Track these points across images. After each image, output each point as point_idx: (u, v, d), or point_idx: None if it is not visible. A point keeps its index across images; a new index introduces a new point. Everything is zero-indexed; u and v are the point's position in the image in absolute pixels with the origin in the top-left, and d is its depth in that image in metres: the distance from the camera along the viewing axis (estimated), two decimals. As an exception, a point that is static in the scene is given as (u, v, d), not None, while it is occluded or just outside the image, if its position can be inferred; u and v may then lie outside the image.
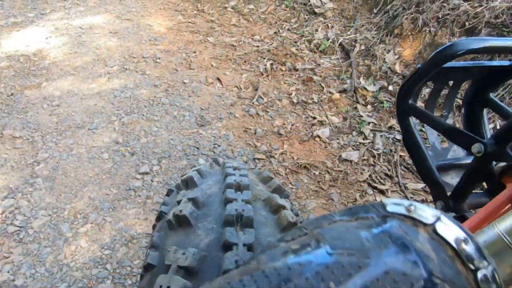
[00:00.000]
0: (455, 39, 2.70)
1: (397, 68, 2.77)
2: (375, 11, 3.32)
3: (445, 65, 1.01)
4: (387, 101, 2.56)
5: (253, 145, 2.23)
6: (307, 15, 3.58)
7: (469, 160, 1.15)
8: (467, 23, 2.69)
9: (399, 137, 2.28)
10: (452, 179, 1.13)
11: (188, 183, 0.70)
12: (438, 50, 1.00)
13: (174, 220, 0.59)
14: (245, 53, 3.16)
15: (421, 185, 2.00)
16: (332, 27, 3.35)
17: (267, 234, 0.59)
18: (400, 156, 2.16)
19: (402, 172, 2.08)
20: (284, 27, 3.47)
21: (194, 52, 3.13)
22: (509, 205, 0.82)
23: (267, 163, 2.10)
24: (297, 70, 2.93)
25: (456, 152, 1.23)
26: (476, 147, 0.93)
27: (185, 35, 3.39)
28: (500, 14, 2.56)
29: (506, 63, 1.12)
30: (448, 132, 1.08)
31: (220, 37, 3.39)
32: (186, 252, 0.53)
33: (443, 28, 2.75)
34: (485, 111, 1.22)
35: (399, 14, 3.07)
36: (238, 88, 2.74)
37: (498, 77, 1.17)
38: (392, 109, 2.50)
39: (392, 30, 3.03)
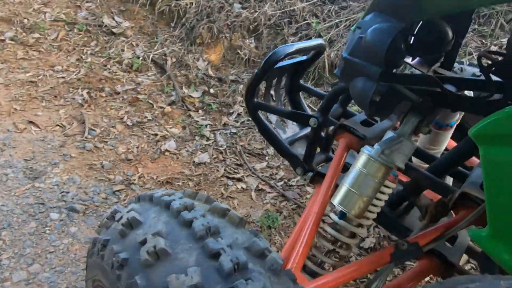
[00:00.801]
0: (247, 41, 3.26)
1: (210, 72, 3.13)
2: (172, 24, 3.57)
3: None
4: (213, 102, 2.87)
5: (106, 180, 2.11)
6: (106, 37, 3.48)
7: (305, 132, 1.52)
8: (251, 26, 3.29)
9: (234, 130, 2.63)
10: (300, 149, 1.47)
11: (132, 224, 0.72)
12: (266, 58, 1.31)
13: (150, 258, 0.63)
14: (51, 87, 2.84)
15: (265, 163, 2.41)
16: (137, 45, 3.40)
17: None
18: (241, 145, 2.52)
19: (247, 158, 2.44)
20: (86, 52, 3.28)
21: (-18, 100, 2.59)
22: (346, 153, 1.19)
23: (129, 191, 2.06)
24: (118, 93, 2.87)
25: (294, 129, 1.60)
26: (312, 121, 1.28)
27: (-42, 81, 2.74)
28: (271, 17, 3.25)
29: (304, 57, 1.54)
30: (290, 116, 1.42)
31: (10, 75, 2.90)
32: (186, 273, 0.59)
33: (235, 33, 3.27)
34: (300, 94, 1.63)
35: (195, 26, 3.42)
36: (60, 126, 2.48)
37: (302, 68, 1.58)
38: (219, 108, 2.83)
39: (194, 40, 3.36)
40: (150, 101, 2.82)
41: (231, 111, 2.84)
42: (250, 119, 2.73)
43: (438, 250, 1.05)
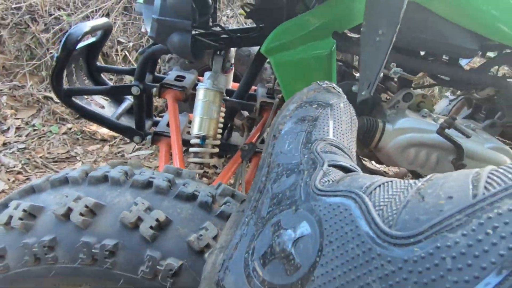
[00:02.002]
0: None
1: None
2: None
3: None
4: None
5: None
6: None
7: (124, 106, 1.62)
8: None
9: (22, 145, 2.30)
10: (126, 122, 1.58)
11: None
12: (63, 41, 1.32)
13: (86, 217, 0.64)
14: None
15: (79, 164, 2.28)
16: None
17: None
18: (41, 157, 2.26)
19: (56, 166, 2.23)
20: None
21: None
22: (176, 104, 1.42)
23: None
24: None
25: (110, 108, 1.66)
26: (135, 89, 1.43)
27: None
28: (5, 16, 2.85)
29: (94, 39, 1.60)
30: (110, 91, 1.50)
31: None
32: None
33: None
34: (102, 75, 1.68)
35: None
36: None
37: (94, 49, 1.63)
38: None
39: None
40: None
41: (4, 127, 2.42)
42: (36, 128, 2.45)
43: (260, 149, 1.50)
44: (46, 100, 2.68)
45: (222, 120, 1.30)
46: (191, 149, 1.25)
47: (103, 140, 2.50)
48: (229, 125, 1.59)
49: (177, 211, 0.59)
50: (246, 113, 1.61)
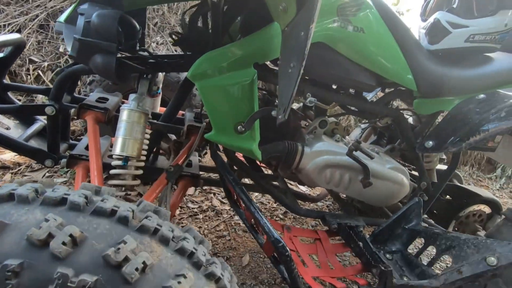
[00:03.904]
0: None
1: None
2: None
3: None
4: None
5: None
6: None
7: (35, 127, 1.51)
8: None
9: None
10: (36, 145, 1.46)
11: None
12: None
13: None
14: None
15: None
16: None
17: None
18: None
19: None
20: None
21: None
22: (97, 126, 1.37)
23: None
24: None
25: (17, 130, 1.53)
26: (50, 109, 1.36)
27: None
28: None
29: (1, 54, 1.49)
30: (20, 110, 1.39)
31: None
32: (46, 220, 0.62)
33: None
34: (9, 94, 1.56)
35: None
36: None
37: (2, 66, 1.52)
38: None
39: None
40: None
41: None
42: None
43: (187, 172, 1.50)
44: None
45: (147, 142, 1.28)
46: (112, 171, 1.20)
47: (4, 168, 2.25)
48: (155, 149, 1.57)
49: (93, 226, 0.58)
50: (173, 137, 1.61)
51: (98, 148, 1.30)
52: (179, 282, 0.58)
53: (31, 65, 2.79)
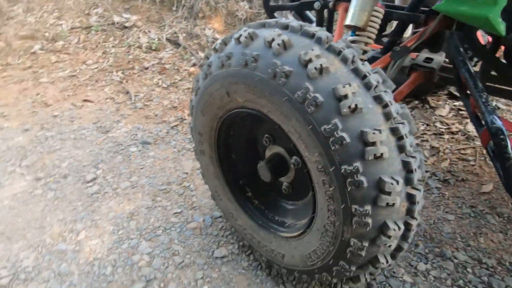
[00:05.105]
0: (242, 4, 3.75)
1: (218, 36, 3.62)
2: (174, 8, 4.06)
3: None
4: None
5: (162, 122, 2.60)
6: (120, 31, 3.98)
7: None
8: (243, -8, 3.77)
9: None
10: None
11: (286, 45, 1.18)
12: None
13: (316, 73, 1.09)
14: (90, 76, 3.34)
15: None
16: (149, 31, 3.90)
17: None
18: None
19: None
20: (108, 46, 3.78)
21: (38, 94, 3.09)
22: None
23: (184, 125, 2.55)
24: (147, 68, 3.37)
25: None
26: (317, 4, 1.74)
27: (12, 87, 3.24)
28: (258, -20, 3.73)
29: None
30: (299, 7, 1.88)
31: (52, 75, 3.40)
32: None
33: (229, 0, 3.76)
34: None
35: (194, 4, 3.91)
36: (110, 98, 2.97)
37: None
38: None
39: (196, 15, 3.85)
40: (176, 68, 3.31)
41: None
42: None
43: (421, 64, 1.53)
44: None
45: (378, 20, 1.42)
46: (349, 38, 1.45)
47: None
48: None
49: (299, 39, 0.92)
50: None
51: (342, 27, 1.60)
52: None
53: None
